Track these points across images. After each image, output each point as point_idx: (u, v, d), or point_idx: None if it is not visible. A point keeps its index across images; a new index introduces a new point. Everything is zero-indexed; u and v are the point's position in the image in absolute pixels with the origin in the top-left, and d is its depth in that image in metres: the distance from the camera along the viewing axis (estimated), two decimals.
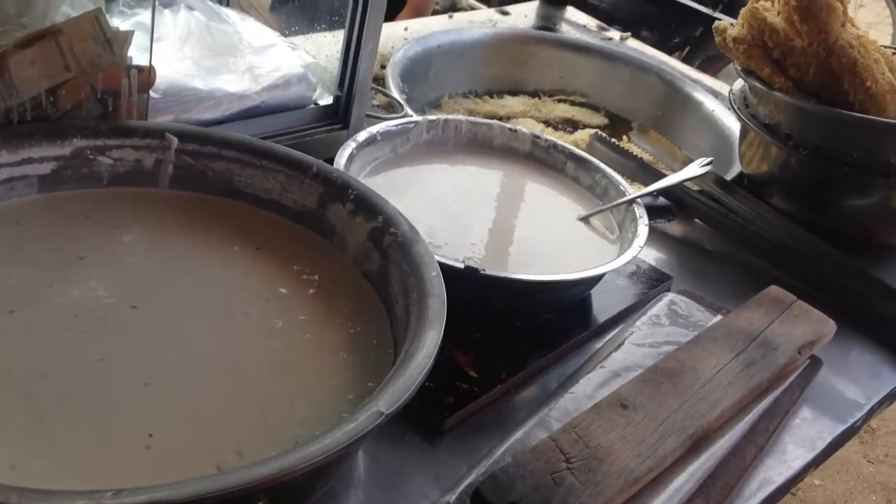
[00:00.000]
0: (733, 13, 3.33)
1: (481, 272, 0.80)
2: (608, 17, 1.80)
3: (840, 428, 0.87)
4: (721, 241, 1.14)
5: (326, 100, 1.05)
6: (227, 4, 1.16)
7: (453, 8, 3.68)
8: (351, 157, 0.95)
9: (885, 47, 1.13)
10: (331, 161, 0.98)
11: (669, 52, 3.54)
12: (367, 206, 0.79)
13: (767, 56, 1.10)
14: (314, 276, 0.79)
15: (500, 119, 1.45)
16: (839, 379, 0.93)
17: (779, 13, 1.10)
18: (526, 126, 1.43)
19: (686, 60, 3.22)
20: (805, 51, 1.07)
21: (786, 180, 1.16)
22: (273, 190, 0.83)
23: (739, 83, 1.22)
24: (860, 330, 1.01)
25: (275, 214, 0.84)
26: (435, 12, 3.62)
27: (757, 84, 1.11)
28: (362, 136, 0.98)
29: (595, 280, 0.91)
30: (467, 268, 0.81)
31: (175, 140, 0.82)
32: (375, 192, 0.80)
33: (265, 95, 0.99)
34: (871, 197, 1.09)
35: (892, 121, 1.04)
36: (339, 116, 1.05)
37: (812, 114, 1.08)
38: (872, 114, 1.05)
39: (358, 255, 0.79)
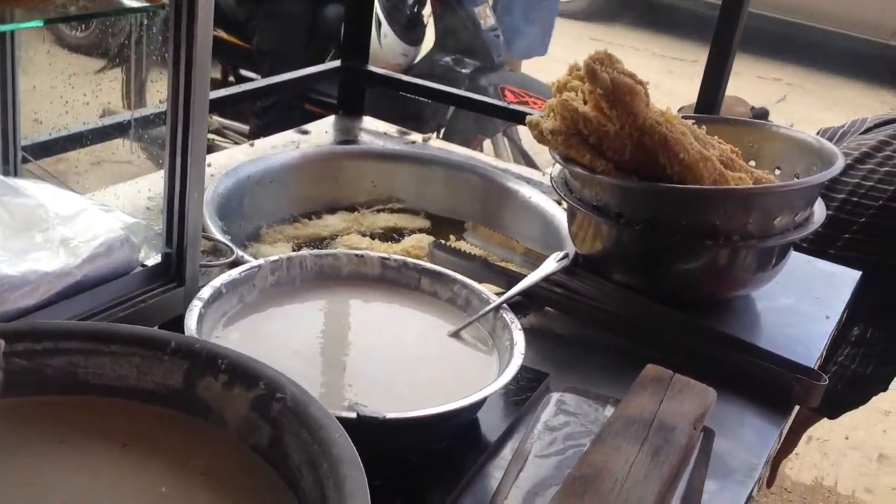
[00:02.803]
0: (478, 89, 3.51)
1: (381, 418, 0.75)
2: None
3: (745, 493, 0.88)
4: (576, 324, 1.15)
5: (154, 259, 0.97)
6: (15, 174, 1.04)
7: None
8: (200, 319, 0.87)
9: (684, 117, 1.21)
10: (176, 323, 0.90)
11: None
12: (244, 374, 0.72)
13: (585, 143, 1.14)
14: (196, 464, 0.70)
15: (325, 239, 1.41)
16: (727, 443, 0.95)
17: (585, 102, 1.15)
18: (352, 241, 1.41)
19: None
20: (618, 134, 1.12)
21: (621, 255, 1.20)
22: (128, 376, 0.74)
23: (557, 169, 1.26)
24: (726, 384, 1.04)
25: (136, 402, 0.74)
26: None
27: (579, 170, 1.15)
28: (206, 292, 0.91)
29: (488, 397, 0.87)
30: (363, 417, 0.75)
31: (1, 343, 0.71)
32: (249, 357, 0.73)
33: (87, 268, 0.89)
34: (702, 259, 1.15)
35: (710, 187, 1.11)
36: (172, 274, 0.97)
37: (637, 191, 1.13)
38: (690, 182, 1.11)
39: (243, 430, 0.71)
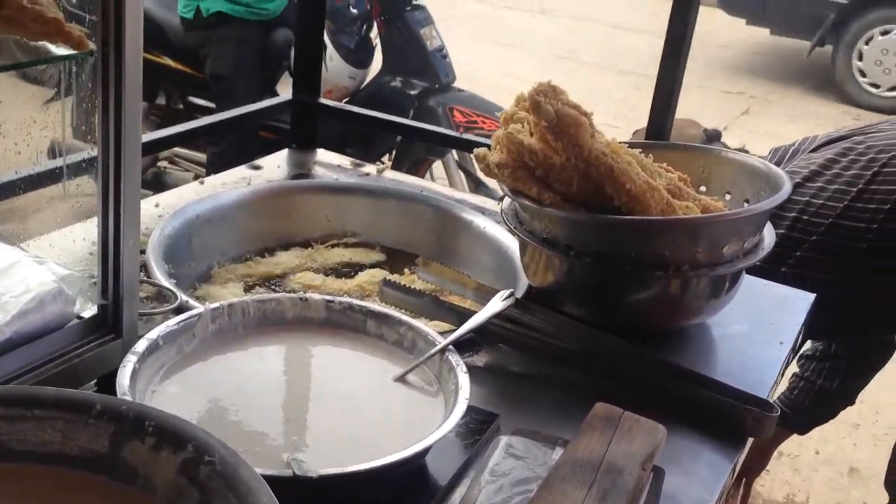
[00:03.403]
0: (423, 118, 3.52)
1: (314, 476, 0.73)
2: None
3: None
4: (530, 360, 1.13)
5: (90, 310, 0.94)
6: None
7: (154, 163, 3.56)
8: (134, 374, 0.85)
9: (631, 146, 1.20)
10: (111, 377, 0.87)
11: (374, 162, 3.69)
12: (172, 436, 0.70)
13: (532, 175, 1.13)
14: None
15: (277, 277, 1.39)
16: (680, 479, 0.94)
17: (531, 134, 1.14)
18: (305, 279, 1.39)
19: (394, 168, 3.41)
20: (565, 165, 1.11)
21: (574, 288, 1.19)
22: (52, 441, 0.71)
23: (507, 201, 1.25)
24: (677, 418, 1.03)
25: (61, 468, 0.71)
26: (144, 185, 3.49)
27: (528, 203, 1.14)
28: (142, 345, 0.88)
29: (432, 446, 0.86)
30: (296, 477, 0.73)
31: None
32: (178, 418, 0.71)
33: (17, 325, 0.87)
34: (653, 290, 1.14)
35: (658, 217, 1.10)
36: (109, 326, 0.94)
37: (585, 223, 1.12)
38: (637, 213, 1.10)
39: (172, 496, 0.69)
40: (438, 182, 3.49)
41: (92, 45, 0.83)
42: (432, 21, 3.63)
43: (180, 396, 0.87)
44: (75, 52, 0.85)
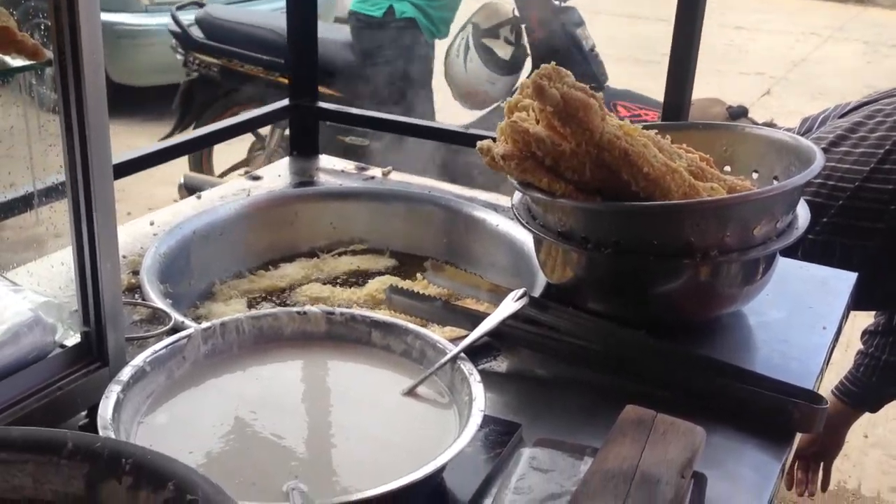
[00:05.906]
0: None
1: None
2: None
3: None
4: (553, 363, 1.05)
5: (73, 339, 0.88)
6: None
7: None
8: (118, 405, 0.78)
9: (646, 127, 1.12)
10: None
11: None
12: (151, 474, 0.62)
13: (541, 165, 1.05)
14: None
15: (283, 291, 1.32)
16: (724, 486, 0.85)
17: (538, 121, 1.06)
18: (313, 291, 1.31)
19: None
20: (575, 152, 1.03)
21: (594, 282, 1.11)
22: (24, 486, 0.64)
23: (518, 196, 1.17)
24: (717, 418, 0.94)
25: None
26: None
27: (539, 195, 1.06)
28: (126, 373, 0.82)
29: (445, 466, 0.78)
30: None
31: None
32: (157, 453, 0.64)
33: None
34: (680, 279, 1.06)
35: (681, 201, 1.01)
36: (95, 353, 0.88)
37: (601, 213, 1.04)
38: (658, 198, 1.02)
39: None
40: None
41: (49, 54, 0.77)
42: (584, 21, 3.41)
43: (169, 427, 0.80)
44: (31, 62, 0.79)
